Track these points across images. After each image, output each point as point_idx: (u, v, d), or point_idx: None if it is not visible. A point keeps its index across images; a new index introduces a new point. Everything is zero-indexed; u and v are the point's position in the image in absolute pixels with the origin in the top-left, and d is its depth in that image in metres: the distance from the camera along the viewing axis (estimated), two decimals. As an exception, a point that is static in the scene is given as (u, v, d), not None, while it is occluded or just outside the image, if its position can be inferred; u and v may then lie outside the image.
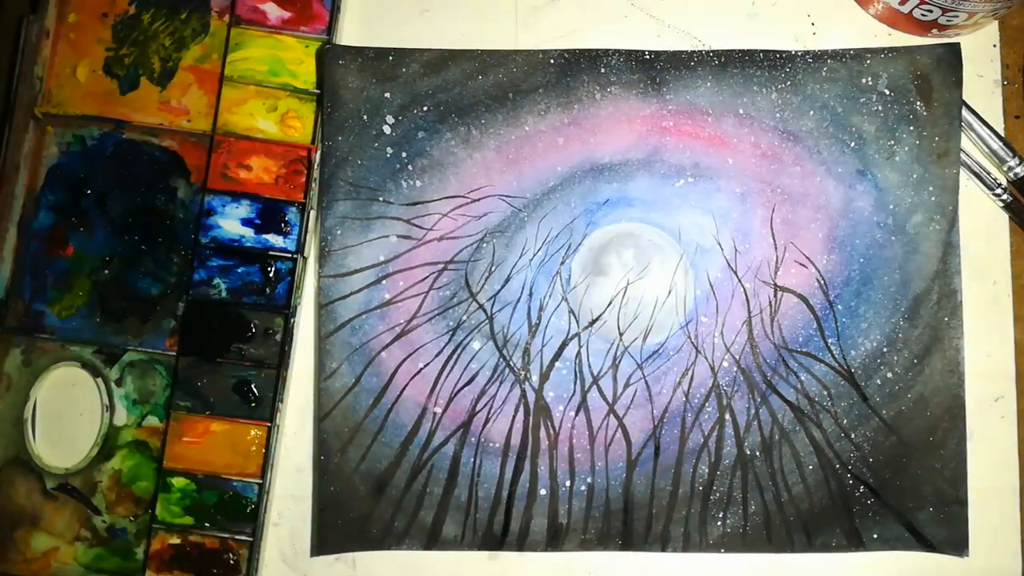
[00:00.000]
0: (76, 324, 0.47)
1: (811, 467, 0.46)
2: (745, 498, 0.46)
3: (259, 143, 0.47)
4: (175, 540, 0.46)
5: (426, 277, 0.47)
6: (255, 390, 0.46)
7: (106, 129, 0.48)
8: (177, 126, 0.48)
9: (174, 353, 0.47)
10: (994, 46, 0.48)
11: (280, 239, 0.47)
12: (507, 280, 0.47)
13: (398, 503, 0.46)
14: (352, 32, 0.49)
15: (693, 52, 0.47)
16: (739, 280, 0.47)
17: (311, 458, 0.47)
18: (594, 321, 0.47)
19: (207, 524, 0.46)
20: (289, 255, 0.47)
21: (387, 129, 0.47)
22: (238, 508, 0.46)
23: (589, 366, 0.46)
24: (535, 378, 0.46)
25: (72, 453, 0.47)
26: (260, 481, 0.46)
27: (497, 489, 0.46)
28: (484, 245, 0.47)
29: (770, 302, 0.47)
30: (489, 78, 0.47)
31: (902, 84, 0.46)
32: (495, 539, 0.46)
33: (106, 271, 0.47)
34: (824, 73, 0.47)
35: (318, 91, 0.47)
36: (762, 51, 0.47)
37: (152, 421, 0.47)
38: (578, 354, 0.47)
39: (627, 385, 0.46)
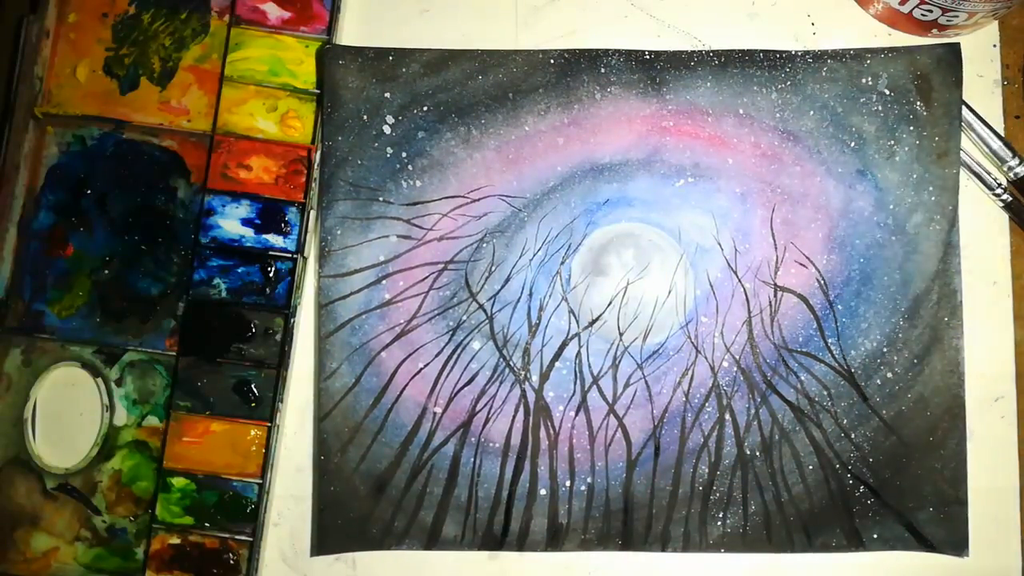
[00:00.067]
0: (76, 324, 0.47)
1: (811, 467, 0.46)
2: (745, 498, 0.46)
3: (259, 143, 0.47)
4: (175, 540, 0.46)
5: (426, 277, 0.47)
6: (255, 390, 0.46)
7: (106, 129, 0.48)
8: (177, 126, 0.48)
9: (174, 353, 0.47)
10: (994, 46, 0.48)
11: (280, 239, 0.47)
12: (507, 280, 0.47)
13: (398, 503, 0.46)
14: (352, 32, 0.49)
15: (693, 52, 0.47)
16: (739, 280, 0.47)
17: (311, 458, 0.47)
18: (594, 321, 0.47)
19: (207, 524, 0.46)
20: (289, 255, 0.47)
21: (387, 129, 0.47)
22: (238, 508, 0.46)
23: (589, 366, 0.46)
24: (535, 378, 0.46)
25: (72, 453, 0.47)
26: (260, 481, 0.46)
27: (497, 489, 0.46)
28: (484, 245, 0.47)
29: (770, 302, 0.47)
30: (489, 78, 0.47)
31: (902, 84, 0.46)
32: (495, 539, 0.46)
33: (106, 271, 0.47)
34: (824, 73, 0.47)
35: (318, 91, 0.47)
36: (762, 51, 0.47)
37: (152, 421, 0.47)
38: (578, 354, 0.47)
39: (627, 385, 0.46)
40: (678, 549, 0.46)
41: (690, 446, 0.46)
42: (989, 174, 0.47)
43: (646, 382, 0.46)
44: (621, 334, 0.47)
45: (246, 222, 0.47)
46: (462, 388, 0.46)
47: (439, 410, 0.46)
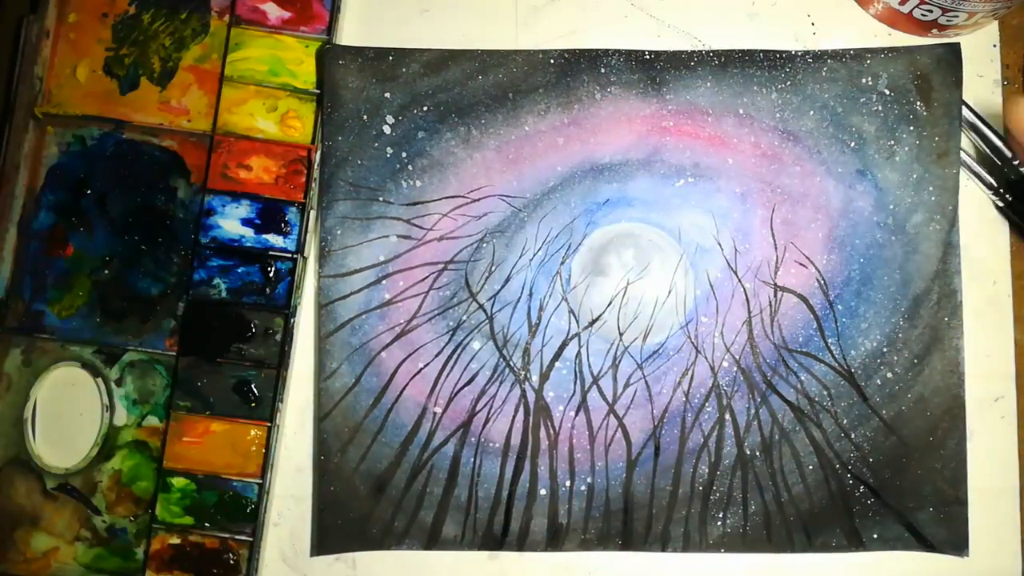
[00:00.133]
0: (76, 324, 0.47)
1: (811, 467, 0.46)
2: (745, 498, 0.46)
3: (259, 143, 0.47)
4: (175, 540, 0.46)
5: (426, 277, 0.47)
6: (255, 390, 0.46)
7: (106, 129, 0.48)
8: (177, 126, 0.48)
9: (174, 353, 0.47)
10: (994, 46, 0.48)
11: (280, 239, 0.47)
12: (507, 280, 0.47)
13: (398, 503, 0.46)
14: (352, 32, 0.49)
15: (693, 52, 0.47)
16: (739, 280, 0.47)
17: (311, 458, 0.47)
18: (594, 321, 0.47)
19: (207, 524, 0.46)
20: (289, 255, 0.47)
21: (387, 129, 0.47)
22: (238, 508, 0.46)
23: (589, 366, 0.46)
24: (535, 378, 0.46)
25: (72, 453, 0.47)
26: (260, 481, 0.46)
27: (497, 489, 0.46)
28: (484, 245, 0.47)
29: (770, 302, 0.47)
30: (489, 78, 0.47)
31: (902, 84, 0.46)
32: (495, 539, 0.46)
33: (106, 271, 0.47)
34: (824, 73, 0.47)
35: (318, 91, 0.47)
36: (762, 51, 0.47)
37: (152, 421, 0.47)
38: (578, 354, 0.47)
39: (627, 385, 0.46)
40: (678, 549, 0.46)
41: (690, 446, 0.46)
42: (989, 174, 0.47)
43: (646, 382, 0.46)
44: (621, 334, 0.47)
45: (246, 222, 0.47)
46: (462, 388, 0.46)
47: (439, 410, 0.46)
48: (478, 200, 0.47)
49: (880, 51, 0.47)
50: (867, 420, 0.46)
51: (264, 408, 0.46)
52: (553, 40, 0.48)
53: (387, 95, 0.47)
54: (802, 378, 0.46)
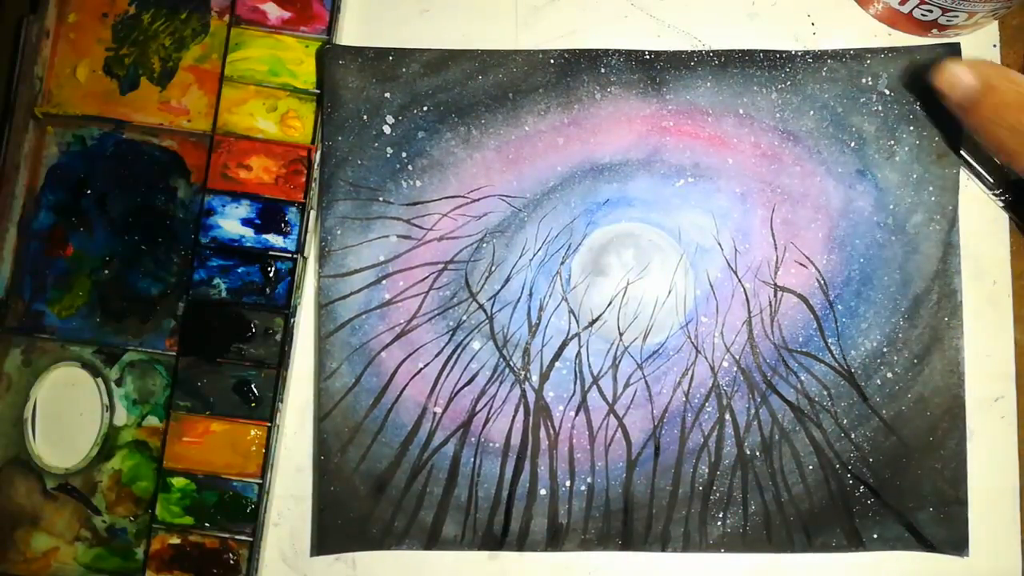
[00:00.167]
0: (76, 324, 0.47)
1: (811, 467, 0.46)
2: (745, 498, 0.46)
3: (259, 143, 0.47)
4: (175, 540, 0.46)
5: (426, 277, 0.47)
6: (255, 390, 0.46)
7: (106, 129, 0.48)
8: (177, 126, 0.48)
9: (174, 353, 0.47)
10: (994, 46, 0.48)
11: (280, 239, 0.47)
12: (507, 280, 0.47)
13: (398, 503, 0.46)
14: (352, 32, 0.49)
15: (693, 52, 0.47)
16: (739, 280, 0.47)
17: (311, 458, 0.47)
18: (594, 321, 0.47)
19: (207, 524, 0.46)
20: (289, 255, 0.47)
21: (387, 129, 0.47)
22: (238, 508, 0.46)
23: (589, 366, 0.46)
24: (535, 378, 0.46)
25: (72, 453, 0.47)
26: (260, 481, 0.46)
27: (497, 489, 0.46)
28: (484, 245, 0.47)
29: (770, 302, 0.47)
30: (489, 78, 0.47)
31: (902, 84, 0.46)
32: (495, 539, 0.46)
33: (106, 271, 0.47)
34: (824, 73, 0.47)
35: (318, 91, 0.47)
36: (762, 51, 0.47)
37: (152, 421, 0.47)
38: (578, 354, 0.47)
39: (627, 385, 0.46)
40: (678, 549, 0.46)
41: (690, 446, 0.46)
42: (989, 174, 0.47)
43: (646, 382, 0.46)
44: (621, 334, 0.47)
45: (246, 222, 0.47)
46: (462, 388, 0.46)
47: (439, 410, 0.46)
48: (478, 200, 0.47)
49: (880, 51, 0.47)
50: (867, 420, 0.46)
51: (264, 408, 0.46)
52: (553, 40, 0.48)
53: (387, 95, 0.47)
54: (802, 378, 0.46)
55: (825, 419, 0.46)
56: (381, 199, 0.47)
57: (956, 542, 0.45)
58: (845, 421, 0.46)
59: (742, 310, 0.47)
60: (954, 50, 0.46)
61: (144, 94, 0.48)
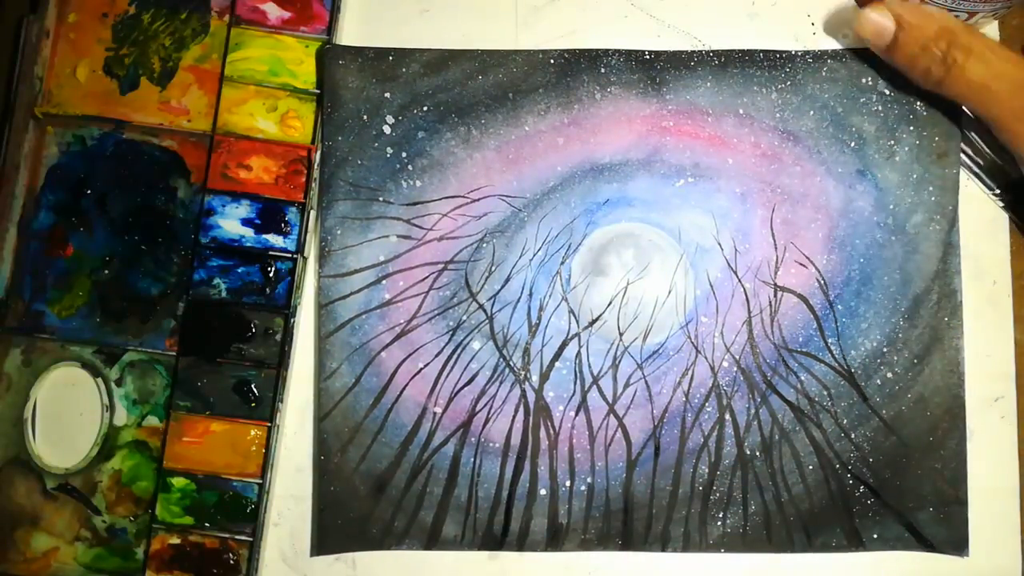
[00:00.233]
0: (76, 324, 0.47)
1: (811, 467, 0.46)
2: (745, 498, 0.46)
3: (259, 143, 0.47)
4: (175, 540, 0.46)
5: (426, 277, 0.47)
6: (255, 390, 0.46)
7: (106, 129, 0.48)
8: (177, 126, 0.48)
9: (174, 353, 0.47)
10: (994, 46, 0.48)
11: (280, 239, 0.47)
12: (507, 280, 0.47)
13: (398, 503, 0.46)
14: (352, 32, 0.49)
15: (693, 52, 0.47)
16: (739, 280, 0.47)
17: (311, 458, 0.47)
18: (594, 321, 0.47)
19: (207, 524, 0.46)
20: (289, 255, 0.47)
21: (387, 129, 0.47)
22: (238, 508, 0.46)
23: (589, 366, 0.46)
24: (535, 378, 0.46)
25: (72, 453, 0.47)
26: (260, 481, 0.46)
27: (497, 489, 0.46)
28: (484, 245, 0.47)
29: (770, 302, 0.47)
30: (489, 78, 0.47)
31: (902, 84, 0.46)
32: (495, 539, 0.46)
33: (106, 271, 0.47)
34: (824, 73, 0.47)
35: (318, 91, 0.47)
36: (762, 51, 0.47)
37: (152, 421, 0.47)
38: (578, 354, 0.47)
39: (627, 385, 0.46)
40: (678, 549, 0.46)
41: (690, 446, 0.46)
42: (989, 174, 0.47)
43: (646, 382, 0.46)
44: (621, 334, 0.47)
45: (246, 222, 0.47)
46: (462, 388, 0.46)
47: (439, 410, 0.46)
48: (478, 200, 0.47)
49: (880, 51, 0.47)
50: (867, 420, 0.46)
51: (264, 408, 0.46)
52: (553, 40, 0.48)
53: (387, 95, 0.47)
54: (802, 378, 0.46)
55: (825, 419, 0.46)
56: (381, 199, 0.47)
57: (956, 542, 0.45)
58: (845, 421, 0.46)
59: (742, 310, 0.47)
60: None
61: (144, 94, 0.48)
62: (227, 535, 0.46)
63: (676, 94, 0.47)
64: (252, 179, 0.47)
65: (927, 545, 0.45)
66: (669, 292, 0.47)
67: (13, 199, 0.47)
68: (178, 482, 0.46)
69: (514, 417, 0.46)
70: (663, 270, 0.47)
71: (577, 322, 0.47)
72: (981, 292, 0.47)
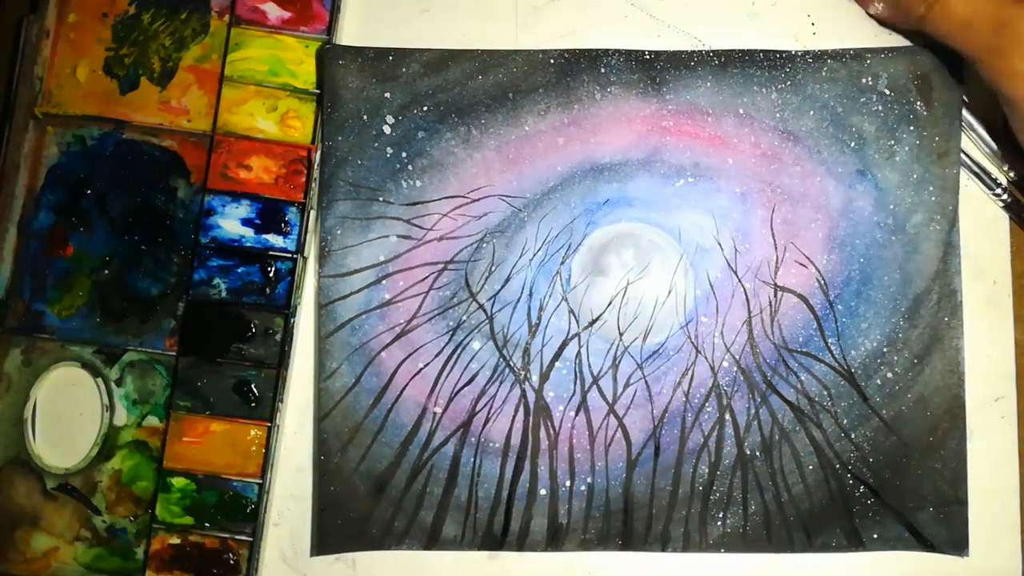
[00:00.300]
0: (76, 324, 0.47)
1: (811, 467, 0.46)
2: (745, 498, 0.46)
3: (259, 143, 0.47)
4: (175, 540, 0.46)
5: (426, 277, 0.47)
6: (255, 390, 0.46)
7: (106, 129, 0.48)
8: (177, 126, 0.48)
9: (174, 353, 0.47)
10: (994, 46, 0.48)
11: (280, 239, 0.47)
12: (507, 280, 0.47)
13: (398, 503, 0.46)
14: (352, 32, 0.49)
15: (693, 52, 0.47)
16: (739, 280, 0.47)
17: (311, 458, 0.47)
18: (594, 321, 0.47)
19: (207, 524, 0.46)
20: (289, 255, 0.47)
21: (387, 129, 0.47)
22: (238, 508, 0.46)
23: (589, 366, 0.46)
24: (535, 378, 0.46)
25: (72, 453, 0.47)
26: (260, 481, 0.46)
27: (497, 489, 0.46)
28: (484, 245, 0.47)
29: (770, 302, 0.47)
30: (489, 78, 0.47)
31: (902, 84, 0.46)
32: (495, 539, 0.46)
33: (106, 271, 0.47)
34: (824, 73, 0.47)
35: (318, 91, 0.47)
36: (762, 51, 0.47)
37: (152, 421, 0.47)
38: (578, 354, 0.47)
39: (627, 385, 0.46)
40: (678, 549, 0.46)
41: (690, 446, 0.46)
42: (989, 174, 0.47)
43: (646, 382, 0.46)
44: (621, 334, 0.47)
45: (246, 222, 0.47)
46: (462, 388, 0.46)
47: (439, 410, 0.46)
48: (478, 200, 0.47)
49: (880, 51, 0.47)
50: (867, 420, 0.46)
51: (264, 408, 0.46)
52: (553, 40, 0.48)
53: (387, 95, 0.47)
54: (802, 378, 0.46)
55: (825, 419, 0.46)
56: (381, 199, 0.47)
57: (956, 542, 0.45)
58: (845, 421, 0.46)
59: (742, 310, 0.47)
60: (955, 50, 0.46)
61: (144, 94, 0.48)
62: (227, 535, 0.46)
63: (676, 94, 0.47)
64: (252, 179, 0.47)
65: (927, 545, 0.45)
66: (669, 292, 0.47)
67: (13, 199, 0.47)
68: (178, 482, 0.46)
69: (514, 417, 0.46)
70: (663, 270, 0.47)
71: (577, 322, 0.47)
72: (981, 292, 0.47)
